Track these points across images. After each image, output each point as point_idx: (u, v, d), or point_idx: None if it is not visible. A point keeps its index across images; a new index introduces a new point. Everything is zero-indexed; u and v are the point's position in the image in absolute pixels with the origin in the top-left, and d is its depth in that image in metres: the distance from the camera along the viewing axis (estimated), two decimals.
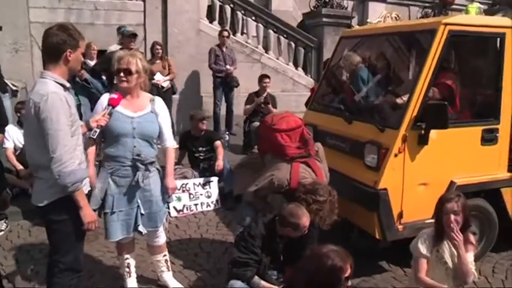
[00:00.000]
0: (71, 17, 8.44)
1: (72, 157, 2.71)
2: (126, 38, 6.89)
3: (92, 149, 3.44)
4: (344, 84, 5.46)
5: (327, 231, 3.72)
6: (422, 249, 3.29)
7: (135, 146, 3.41)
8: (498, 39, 4.21)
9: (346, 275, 2.32)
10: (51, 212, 2.83)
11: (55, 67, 2.78)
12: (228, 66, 8.60)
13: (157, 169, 3.61)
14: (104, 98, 3.46)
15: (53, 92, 2.67)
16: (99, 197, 3.44)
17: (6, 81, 6.93)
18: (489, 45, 4.40)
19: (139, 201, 3.51)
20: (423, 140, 3.96)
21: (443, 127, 3.84)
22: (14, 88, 7.24)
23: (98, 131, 3.25)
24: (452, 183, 4.11)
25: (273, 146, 3.94)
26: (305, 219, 3.38)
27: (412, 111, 3.92)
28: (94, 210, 3.44)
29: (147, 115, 3.47)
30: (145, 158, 3.44)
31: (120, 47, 6.86)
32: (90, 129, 3.24)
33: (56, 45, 2.74)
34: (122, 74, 3.39)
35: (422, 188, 4.06)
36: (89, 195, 3.47)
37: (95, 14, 8.67)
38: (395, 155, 3.92)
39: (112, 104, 3.34)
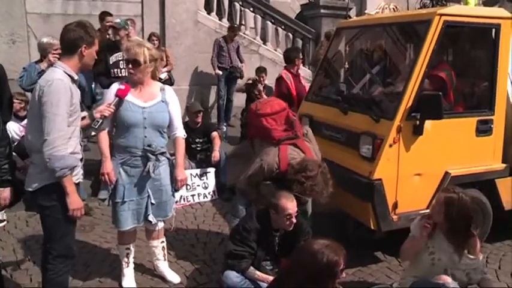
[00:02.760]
0: (68, 8, 8.42)
1: (65, 144, 2.76)
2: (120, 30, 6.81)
3: (106, 143, 3.44)
4: (342, 74, 5.46)
5: (323, 222, 3.74)
6: (416, 231, 3.32)
7: (145, 136, 3.42)
8: (493, 30, 4.21)
9: (341, 267, 2.35)
10: (40, 197, 2.89)
11: (69, 59, 2.90)
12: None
13: (167, 158, 3.61)
14: (114, 88, 3.45)
15: (58, 78, 2.76)
16: (110, 186, 3.45)
17: None
18: (484, 36, 4.39)
19: (149, 190, 3.53)
20: (418, 131, 3.97)
21: (438, 117, 3.86)
22: None
23: (100, 121, 3.25)
24: (446, 173, 4.13)
25: (260, 131, 3.95)
26: (284, 201, 3.38)
27: (406, 101, 3.92)
28: (104, 200, 3.51)
29: (157, 105, 3.47)
30: (155, 149, 3.45)
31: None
32: (93, 119, 3.25)
33: (72, 40, 2.86)
34: (130, 66, 3.39)
35: (417, 179, 4.07)
36: (96, 184, 3.50)
37: (93, 4, 8.63)
38: (390, 146, 3.93)
39: (119, 95, 3.35)
